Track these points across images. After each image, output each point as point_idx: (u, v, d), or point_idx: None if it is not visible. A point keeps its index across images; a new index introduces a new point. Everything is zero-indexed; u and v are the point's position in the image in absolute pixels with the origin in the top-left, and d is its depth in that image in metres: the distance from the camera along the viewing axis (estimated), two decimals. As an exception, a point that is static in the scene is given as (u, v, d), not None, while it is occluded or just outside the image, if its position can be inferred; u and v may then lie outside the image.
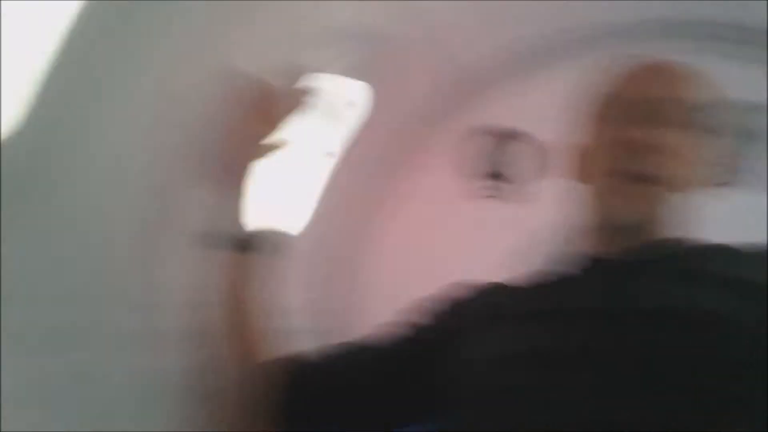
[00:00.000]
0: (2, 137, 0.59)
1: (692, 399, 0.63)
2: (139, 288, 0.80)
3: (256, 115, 0.85)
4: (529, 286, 0.82)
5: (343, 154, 1.18)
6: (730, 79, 0.84)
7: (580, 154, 0.83)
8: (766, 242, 0.76)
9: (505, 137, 1.27)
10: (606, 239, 0.78)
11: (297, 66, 0.91)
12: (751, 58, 1.21)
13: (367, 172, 1.30)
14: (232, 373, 0.85)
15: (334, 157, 1.18)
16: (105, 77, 0.67)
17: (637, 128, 0.75)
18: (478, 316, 0.80)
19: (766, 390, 0.63)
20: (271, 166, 0.90)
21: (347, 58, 1.02)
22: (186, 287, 0.86)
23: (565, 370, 0.68)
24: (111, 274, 0.76)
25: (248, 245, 0.86)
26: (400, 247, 1.33)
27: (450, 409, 0.75)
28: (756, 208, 1.15)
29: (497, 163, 1.28)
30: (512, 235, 1.25)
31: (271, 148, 0.88)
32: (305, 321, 1.18)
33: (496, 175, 1.28)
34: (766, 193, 1.19)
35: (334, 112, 1.10)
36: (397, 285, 1.26)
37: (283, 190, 1.02)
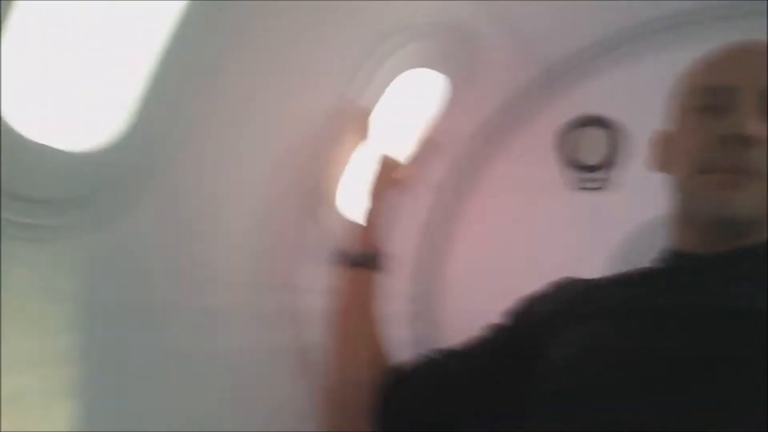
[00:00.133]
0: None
1: None
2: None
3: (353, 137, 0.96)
4: (608, 282, 0.80)
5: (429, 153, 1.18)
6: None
7: (667, 144, 0.81)
8: None
9: (594, 127, 1.24)
10: (693, 234, 0.76)
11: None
12: None
13: (454, 169, 1.31)
14: (341, 376, 0.91)
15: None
16: (222, 105, 0.74)
17: (725, 118, 0.72)
18: (556, 313, 0.79)
19: None
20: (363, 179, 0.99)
21: (429, 52, 1.03)
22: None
23: (641, 369, 0.66)
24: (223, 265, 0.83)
25: (366, 261, 0.94)
26: (487, 244, 1.32)
27: (533, 408, 0.74)
28: None
29: (586, 154, 1.25)
30: (604, 228, 1.23)
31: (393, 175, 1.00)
32: (405, 328, 1.22)
33: (585, 167, 1.25)
34: None
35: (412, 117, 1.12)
36: (485, 280, 1.26)
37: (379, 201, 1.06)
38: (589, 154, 1.25)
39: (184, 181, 0.74)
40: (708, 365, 0.63)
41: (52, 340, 0.62)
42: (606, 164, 1.24)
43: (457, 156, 1.30)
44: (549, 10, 1.10)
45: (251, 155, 0.84)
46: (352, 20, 0.86)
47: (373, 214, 0.98)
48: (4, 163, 0.54)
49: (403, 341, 1.15)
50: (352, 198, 1.03)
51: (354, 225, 0.98)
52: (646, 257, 0.81)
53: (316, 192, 0.99)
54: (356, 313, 0.93)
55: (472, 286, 1.29)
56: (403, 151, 1.10)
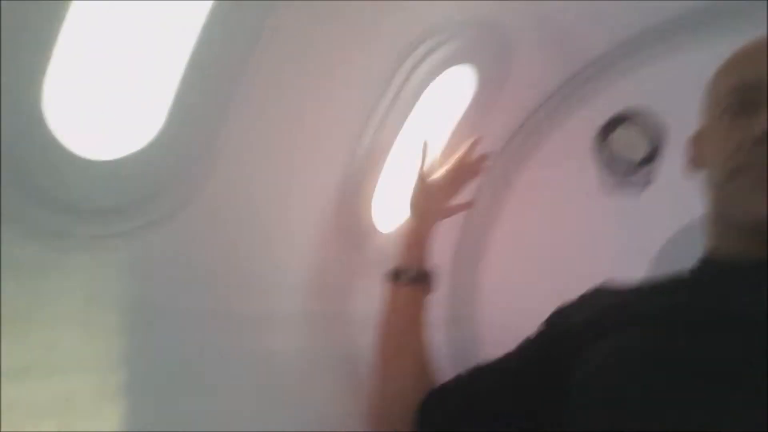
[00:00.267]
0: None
1: None
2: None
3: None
4: (643, 289, 0.79)
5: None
6: None
7: (701, 146, 0.79)
8: None
9: (632, 125, 1.22)
10: (729, 239, 0.74)
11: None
12: None
13: (491, 170, 1.30)
14: (386, 392, 0.93)
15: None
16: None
17: (756, 117, 0.70)
18: (590, 323, 0.77)
19: None
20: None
21: (464, 52, 1.03)
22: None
23: (675, 378, 0.65)
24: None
25: (413, 278, 0.98)
26: (524, 247, 1.31)
27: (568, 418, 0.73)
28: None
29: (625, 154, 1.23)
30: (644, 230, 1.20)
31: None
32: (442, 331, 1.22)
33: (624, 167, 1.23)
34: None
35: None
36: (521, 284, 1.26)
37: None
38: (628, 153, 1.23)
39: (232, 186, 0.75)
40: (742, 375, 0.62)
41: (103, 345, 0.64)
42: (646, 164, 1.22)
43: (494, 157, 1.29)
44: (585, 7, 1.09)
45: (298, 161, 0.86)
46: (388, 22, 0.86)
47: (418, 233, 1.01)
48: (53, 178, 0.56)
49: (440, 345, 1.16)
50: (398, 216, 1.06)
51: (401, 243, 1.01)
52: (687, 261, 0.79)
53: (364, 206, 1.01)
54: (403, 330, 0.95)
55: (509, 290, 1.28)
56: (441, 153, 1.10)
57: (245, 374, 0.81)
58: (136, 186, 0.64)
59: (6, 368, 0.56)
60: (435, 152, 1.08)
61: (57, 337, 0.60)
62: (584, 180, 1.25)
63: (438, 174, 1.06)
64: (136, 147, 0.63)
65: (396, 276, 0.97)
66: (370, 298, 0.99)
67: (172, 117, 0.65)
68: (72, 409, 0.61)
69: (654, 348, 0.68)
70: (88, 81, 0.60)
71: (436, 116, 1.08)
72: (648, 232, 1.20)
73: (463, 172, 1.09)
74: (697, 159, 0.81)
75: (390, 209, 1.07)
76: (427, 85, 0.99)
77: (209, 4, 0.63)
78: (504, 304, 1.27)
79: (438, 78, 1.00)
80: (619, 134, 1.22)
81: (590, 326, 0.76)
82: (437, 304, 1.26)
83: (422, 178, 1.02)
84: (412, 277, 0.97)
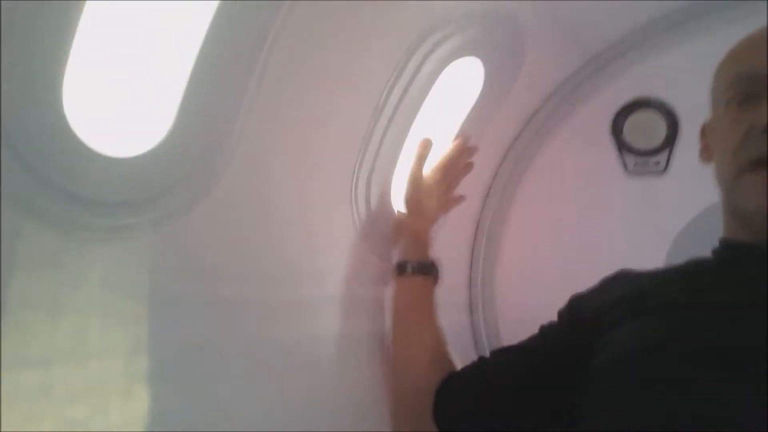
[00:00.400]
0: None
1: None
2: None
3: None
4: (662, 275, 0.79)
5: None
6: None
7: (711, 137, 0.80)
8: None
9: (650, 110, 1.21)
10: (744, 227, 0.74)
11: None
12: None
13: (507, 158, 1.32)
14: (403, 379, 0.95)
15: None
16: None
17: (759, 108, 0.70)
18: (609, 310, 0.78)
19: None
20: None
21: (476, 42, 1.03)
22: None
23: (695, 364, 0.65)
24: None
25: (426, 269, 1.01)
26: (542, 233, 1.31)
27: (586, 405, 0.73)
28: None
29: (642, 139, 1.22)
30: (662, 215, 1.20)
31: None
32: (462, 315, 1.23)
33: (642, 151, 1.22)
34: None
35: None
36: (539, 268, 1.26)
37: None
38: (646, 138, 1.22)
39: (245, 180, 0.77)
40: (762, 360, 0.62)
41: (126, 332, 0.67)
42: (663, 148, 1.21)
43: (509, 146, 1.30)
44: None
45: (310, 155, 0.87)
46: (399, 13, 0.87)
47: (416, 229, 1.04)
48: (74, 175, 0.59)
49: (462, 329, 1.17)
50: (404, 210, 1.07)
51: (402, 239, 1.04)
52: (706, 245, 0.79)
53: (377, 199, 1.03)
54: (413, 320, 0.98)
55: (527, 274, 1.29)
56: (449, 145, 1.11)
57: (255, 360, 0.82)
58: (153, 181, 0.67)
59: (36, 355, 0.59)
60: (436, 150, 1.08)
61: (83, 324, 0.63)
62: (603, 164, 1.25)
63: (428, 172, 1.07)
64: (152, 144, 0.66)
65: (401, 269, 1.01)
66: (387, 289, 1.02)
67: (182, 115, 0.67)
68: (104, 393, 0.64)
69: (676, 332, 0.68)
70: (106, 81, 0.63)
71: (448, 107, 1.09)
72: (668, 215, 1.19)
73: (452, 169, 1.11)
74: (707, 150, 0.81)
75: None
76: (438, 75, 1.00)
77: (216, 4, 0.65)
78: (524, 287, 1.28)
79: (448, 68, 1.01)
80: (636, 119, 1.22)
81: (612, 310, 0.76)
82: (459, 288, 1.28)
83: (417, 177, 1.04)
84: (416, 268, 1.00)
